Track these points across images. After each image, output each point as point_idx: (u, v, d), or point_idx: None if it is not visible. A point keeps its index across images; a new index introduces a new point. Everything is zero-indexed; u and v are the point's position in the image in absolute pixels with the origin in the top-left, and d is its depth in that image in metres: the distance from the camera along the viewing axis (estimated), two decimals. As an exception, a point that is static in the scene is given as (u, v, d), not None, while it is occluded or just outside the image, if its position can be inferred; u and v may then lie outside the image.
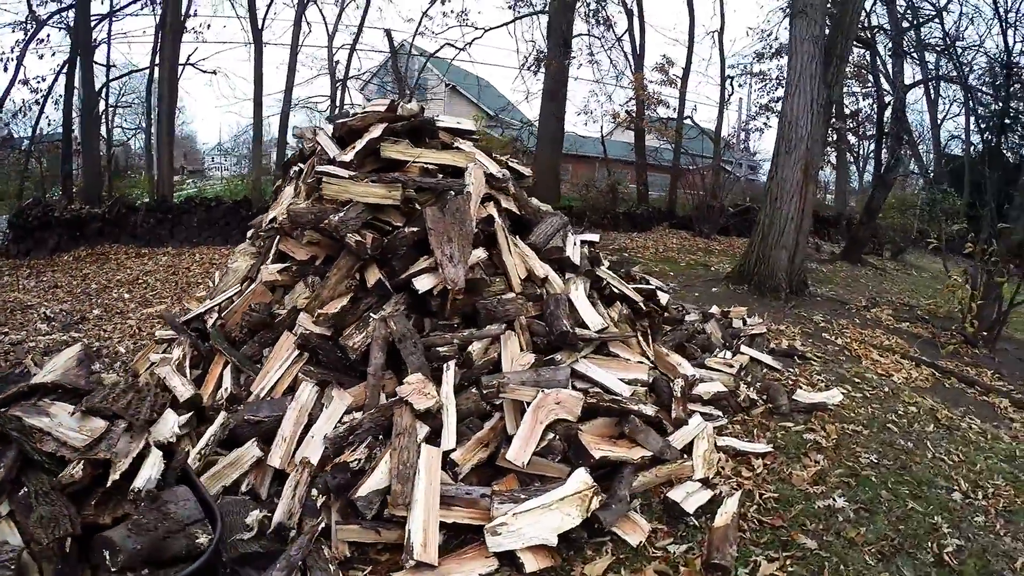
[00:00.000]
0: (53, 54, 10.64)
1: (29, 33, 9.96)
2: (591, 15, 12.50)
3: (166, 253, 9.07)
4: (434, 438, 2.60)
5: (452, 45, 12.70)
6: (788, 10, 9.35)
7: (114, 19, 11.33)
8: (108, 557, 1.66)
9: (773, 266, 7.14)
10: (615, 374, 3.14)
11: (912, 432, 3.49)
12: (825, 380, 4.24)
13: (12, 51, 9.78)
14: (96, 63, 10.74)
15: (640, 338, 3.68)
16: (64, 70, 9.97)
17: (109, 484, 1.84)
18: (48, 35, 10.66)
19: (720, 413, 3.47)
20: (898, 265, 12.36)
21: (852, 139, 16.17)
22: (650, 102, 12.70)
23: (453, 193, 3.39)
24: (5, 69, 9.69)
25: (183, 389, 3.29)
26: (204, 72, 12.87)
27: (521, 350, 3.08)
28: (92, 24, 10.40)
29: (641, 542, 2.30)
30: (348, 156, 3.42)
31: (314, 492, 2.43)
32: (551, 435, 2.52)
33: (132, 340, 4.90)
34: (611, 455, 2.59)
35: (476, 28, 12.52)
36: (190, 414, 3.11)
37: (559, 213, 4.33)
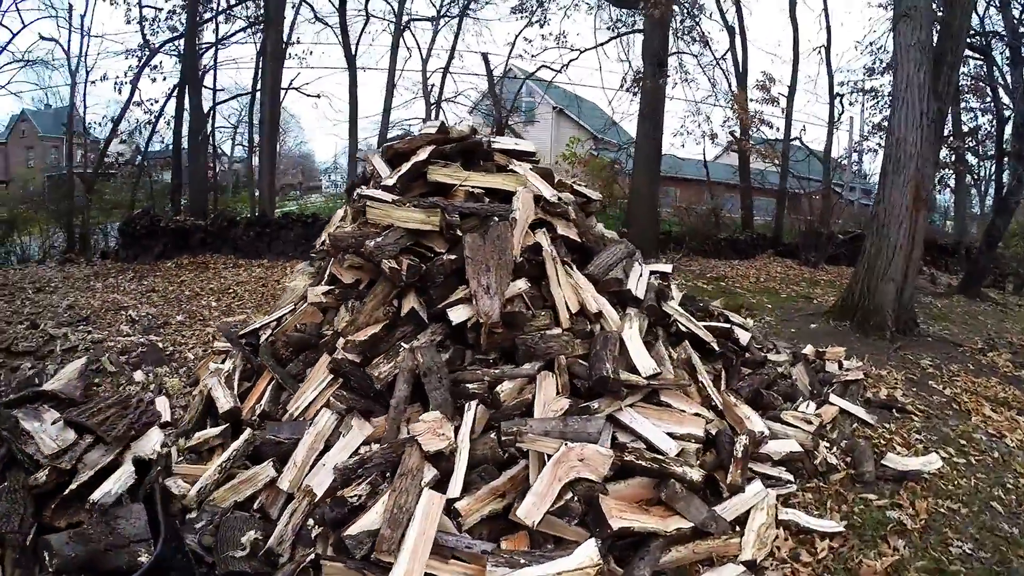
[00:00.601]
0: (164, 79, 12.13)
1: (143, 59, 11.48)
2: (685, 32, 12.08)
3: (260, 265, 9.79)
4: (444, 483, 2.43)
5: (549, 67, 12.84)
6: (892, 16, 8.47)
7: (220, 47, 12.67)
8: (47, 558, 1.71)
9: (879, 301, 6.47)
10: (665, 427, 2.79)
11: (1021, 515, 2.91)
12: (925, 440, 3.70)
13: (126, 75, 11.22)
14: (204, 87, 12.04)
15: (707, 384, 3.29)
16: (175, 93, 11.33)
17: (67, 492, 1.91)
18: (160, 62, 12.20)
19: (791, 478, 2.99)
20: (1022, 300, 10.75)
21: (971, 159, 14.29)
22: (752, 123, 11.96)
23: (497, 219, 3.25)
24: (119, 91, 11.15)
25: (224, 401, 3.44)
26: (308, 96, 14.01)
27: (558, 393, 2.83)
28: (200, 52, 11.68)
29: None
30: (391, 179, 3.42)
31: (310, 522, 2.37)
32: (569, 494, 2.24)
33: (204, 347, 5.23)
34: (635, 525, 2.26)
35: (572, 49, 12.57)
36: (225, 426, 3.24)
37: (624, 241, 4.05)
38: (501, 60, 13.79)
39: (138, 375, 4.44)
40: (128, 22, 11.56)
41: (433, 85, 13.30)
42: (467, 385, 2.88)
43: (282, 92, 12.29)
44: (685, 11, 11.47)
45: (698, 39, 11.99)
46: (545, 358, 3.02)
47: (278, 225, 10.72)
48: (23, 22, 11.70)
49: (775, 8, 22.39)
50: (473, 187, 3.49)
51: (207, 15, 11.78)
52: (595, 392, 2.84)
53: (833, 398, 3.89)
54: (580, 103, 18.47)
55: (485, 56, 12.69)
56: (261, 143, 11.58)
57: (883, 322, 6.31)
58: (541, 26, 13.12)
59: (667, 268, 4.21)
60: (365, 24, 13.28)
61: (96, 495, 1.94)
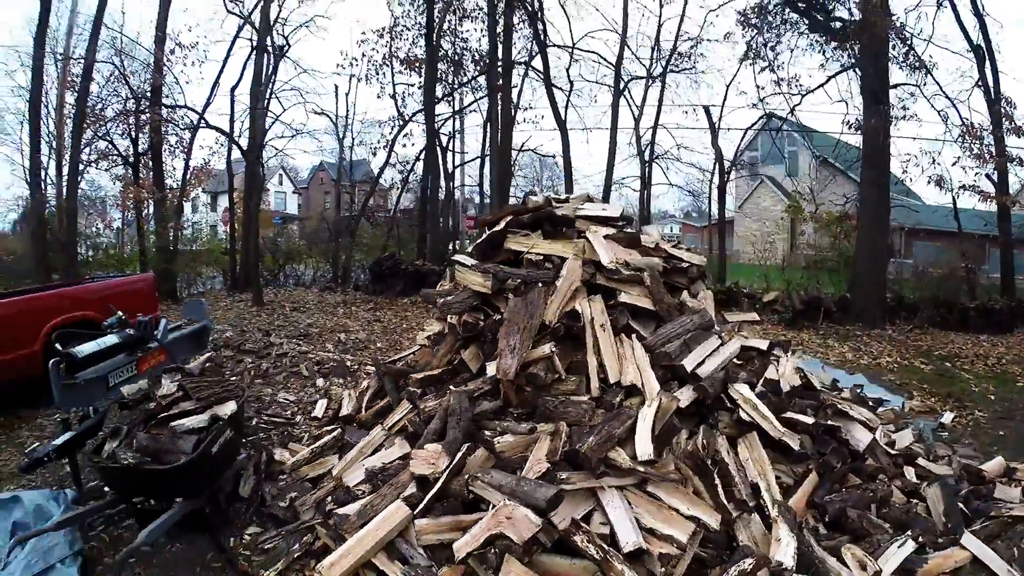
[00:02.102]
0: (413, 144, 15.53)
1: (396, 128, 14.99)
2: (902, 59, 10.09)
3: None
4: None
5: (776, 116, 12.22)
6: None
7: (461, 115, 15.62)
8: (134, 442, 3.06)
9: None
10: (648, 521, 2.80)
11: None
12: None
13: (379, 142, 14.85)
14: (452, 151, 15.00)
15: (715, 485, 3.04)
16: (421, 156, 14.33)
17: (159, 417, 3.28)
18: (411, 130, 15.70)
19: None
20: None
21: None
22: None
23: (541, 284, 3.73)
24: (375, 155, 14.83)
25: (346, 408, 4.78)
26: (543, 156, 16.09)
27: (549, 457, 3.13)
28: (440, 122, 14.65)
29: None
30: (471, 248, 4.21)
31: (330, 499, 3.28)
32: (490, 548, 2.59)
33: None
34: None
35: (792, 95, 11.75)
36: (337, 425, 4.47)
37: (703, 311, 3.99)
38: (729, 110, 13.57)
39: (320, 382, 6.13)
40: (379, 97, 15.60)
41: (649, 142, 13.87)
42: (485, 432, 3.42)
43: (514, 153, 14.47)
44: (898, 34, 9.68)
45: (917, 66, 9.96)
46: (562, 421, 3.34)
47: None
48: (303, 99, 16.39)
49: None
50: (537, 253, 4.03)
51: (441, 91, 14.88)
52: (579, 464, 3.04)
53: (968, 539, 3.09)
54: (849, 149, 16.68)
55: (707, 108, 12.75)
56: (492, 199, 13.76)
57: None
58: (772, 70, 12.57)
59: (761, 344, 3.92)
60: (570, 90, 14.71)
61: (175, 423, 3.29)
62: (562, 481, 2.89)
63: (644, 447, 2.97)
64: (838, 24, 10.99)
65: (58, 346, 3.73)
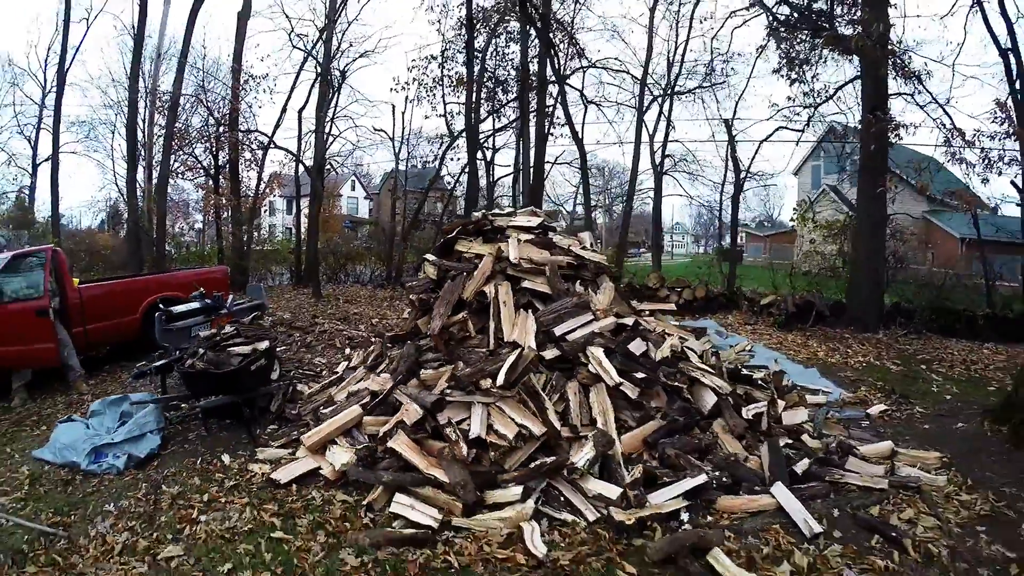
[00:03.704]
0: (459, 159, 17.85)
1: (445, 144, 17.32)
2: (897, 72, 10.66)
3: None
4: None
5: (788, 128, 13.41)
6: None
7: (500, 134, 17.90)
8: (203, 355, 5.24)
9: None
10: (496, 425, 4.60)
11: None
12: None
13: (432, 156, 17.40)
14: (497, 164, 17.26)
15: (547, 407, 4.64)
16: (465, 169, 16.63)
17: (219, 346, 5.39)
18: (459, 144, 17.81)
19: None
20: None
21: None
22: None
23: (465, 274, 5.67)
24: (425, 167, 17.10)
25: (354, 360, 6.88)
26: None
27: (447, 382, 5.03)
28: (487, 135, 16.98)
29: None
30: (433, 249, 6.24)
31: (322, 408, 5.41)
32: (395, 428, 4.58)
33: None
34: (407, 456, 4.35)
35: (806, 107, 12.82)
36: (344, 373, 6.58)
37: (583, 295, 5.75)
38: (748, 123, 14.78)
39: (348, 351, 8.32)
40: (426, 117, 17.93)
41: (668, 155, 15.41)
42: (421, 369, 5.39)
43: (547, 166, 16.45)
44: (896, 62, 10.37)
45: (911, 76, 10.54)
46: (463, 362, 5.24)
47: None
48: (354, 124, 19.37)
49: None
50: (473, 253, 5.97)
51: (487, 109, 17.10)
52: (466, 385, 4.91)
53: (778, 489, 4.18)
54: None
55: (727, 122, 14.04)
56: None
57: None
58: (802, 83, 13.63)
59: (629, 321, 5.63)
60: (584, 112, 16.52)
61: (230, 348, 5.45)
62: (447, 395, 4.82)
63: (500, 378, 4.80)
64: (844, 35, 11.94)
65: (161, 305, 6.15)
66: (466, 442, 4.45)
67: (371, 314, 11.80)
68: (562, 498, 4.17)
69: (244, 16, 15.64)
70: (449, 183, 18.81)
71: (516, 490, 4.10)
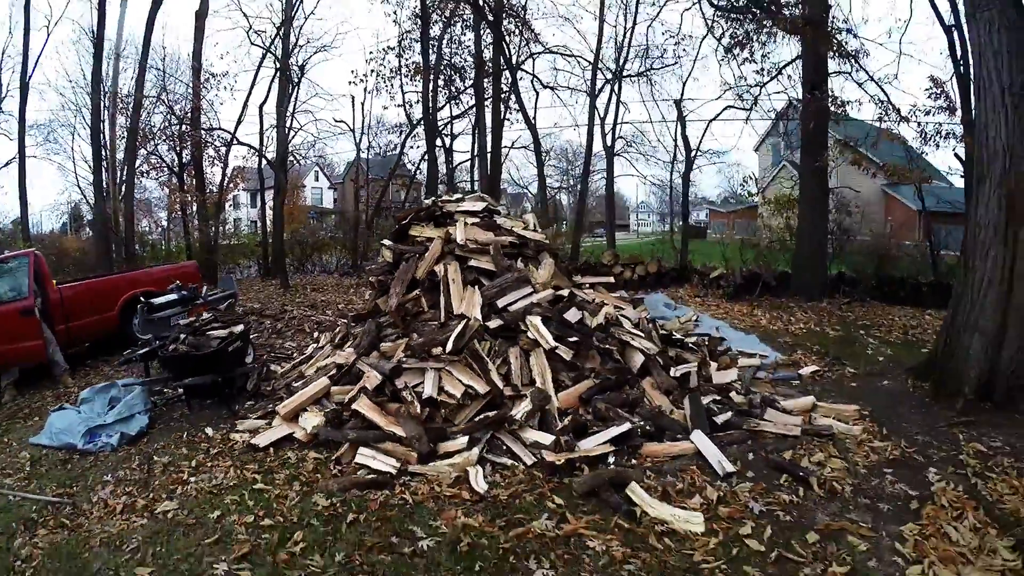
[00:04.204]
0: (419, 146, 18.61)
1: (404, 133, 18.13)
2: (835, 51, 11.34)
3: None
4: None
5: (736, 107, 14.18)
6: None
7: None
8: (183, 340, 5.90)
9: (960, 358, 5.71)
10: (447, 386, 5.33)
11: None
12: None
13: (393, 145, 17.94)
14: (457, 151, 17.93)
15: (489, 369, 5.43)
16: (424, 158, 17.33)
17: (200, 328, 6.04)
18: (417, 132, 18.42)
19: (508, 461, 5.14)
20: None
21: None
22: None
23: (418, 256, 6.36)
24: (386, 155, 17.66)
25: (322, 341, 7.48)
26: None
27: (403, 352, 5.75)
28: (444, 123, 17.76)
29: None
30: (390, 234, 6.90)
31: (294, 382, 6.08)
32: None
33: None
34: (368, 416, 5.07)
35: (755, 85, 13.59)
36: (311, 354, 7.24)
37: (522, 271, 6.48)
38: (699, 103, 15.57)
39: (316, 335, 8.95)
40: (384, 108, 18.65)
41: (620, 137, 16.22)
42: (381, 342, 6.08)
43: (504, 151, 17.12)
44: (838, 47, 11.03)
45: (848, 56, 11.22)
46: (420, 334, 5.95)
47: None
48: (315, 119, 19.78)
49: None
50: (425, 237, 6.65)
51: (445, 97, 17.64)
52: (420, 352, 5.63)
53: (696, 436, 4.78)
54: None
55: (678, 103, 14.81)
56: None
57: (959, 387, 5.61)
58: (753, 60, 14.30)
59: (565, 292, 6.40)
60: (536, 99, 17.13)
61: (208, 332, 6.10)
62: (403, 363, 5.53)
63: (449, 346, 5.53)
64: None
65: (142, 298, 6.73)
66: (420, 402, 5.19)
67: (338, 300, 12.42)
68: (504, 447, 4.92)
69: (202, 15, 15.79)
70: (411, 170, 19.35)
71: (463, 440, 4.83)
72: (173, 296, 7.05)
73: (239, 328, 6.28)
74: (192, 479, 4.79)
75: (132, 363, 6.51)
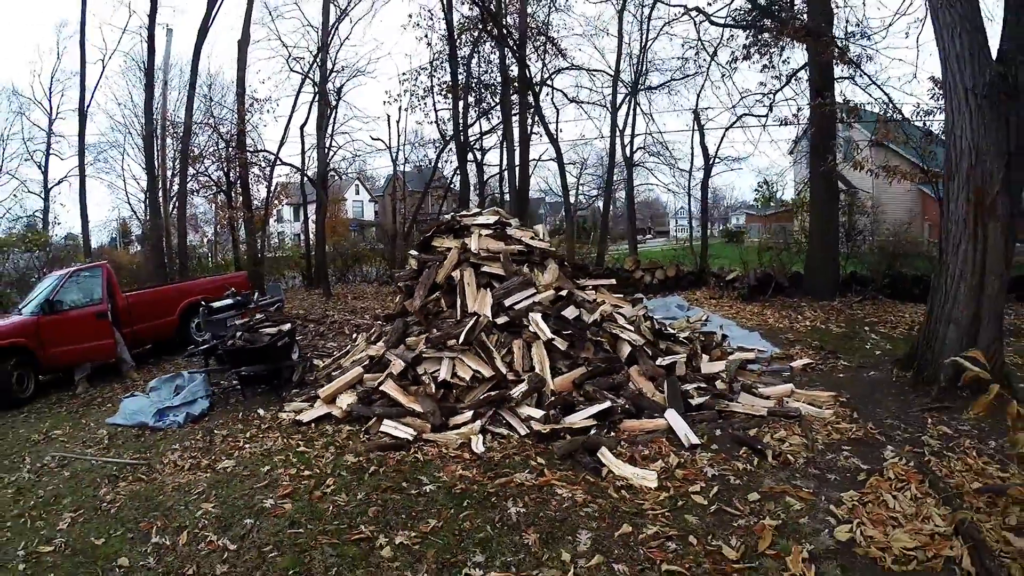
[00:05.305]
0: (452, 161, 19.67)
1: (438, 149, 19.05)
2: (839, 56, 11.77)
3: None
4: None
5: (752, 114, 14.86)
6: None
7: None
8: (238, 335, 7.06)
9: (936, 348, 6.04)
10: (458, 371, 6.35)
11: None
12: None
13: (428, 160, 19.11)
14: (486, 164, 19.02)
15: (495, 358, 6.43)
16: (456, 171, 18.42)
17: (252, 329, 7.19)
18: (451, 147, 19.64)
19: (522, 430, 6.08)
20: None
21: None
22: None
23: (438, 263, 7.41)
24: (422, 170, 18.80)
25: (360, 341, 8.59)
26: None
27: (425, 344, 6.78)
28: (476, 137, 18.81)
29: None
30: (415, 245, 7.99)
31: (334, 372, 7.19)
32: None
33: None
34: (392, 394, 6.11)
35: (766, 95, 14.26)
36: (351, 352, 8.38)
37: (527, 275, 7.41)
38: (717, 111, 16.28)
39: (354, 336, 10.10)
40: (418, 124, 20.02)
41: (641, 147, 17.08)
42: (408, 337, 7.12)
43: (531, 165, 18.16)
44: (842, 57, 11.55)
45: (849, 62, 11.70)
46: (439, 329, 6.97)
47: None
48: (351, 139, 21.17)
49: None
50: (445, 247, 7.70)
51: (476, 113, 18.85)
52: (438, 344, 6.65)
53: (670, 414, 5.47)
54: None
55: (695, 112, 15.57)
56: (512, 206, 17.43)
57: (936, 375, 5.94)
58: (772, 67, 14.92)
59: (564, 292, 7.31)
60: (557, 116, 18.03)
61: (261, 330, 7.24)
62: (423, 353, 6.56)
63: (461, 338, 6.54)
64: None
65: (203, 302, 8.00)
66: (436, 384, 6.21)
67: (376, 307, 13.65)
68: (503, 420, 5.85)
69: (244, 43, 17.44)
70: (446, 181, 20.69)
71: (469, 415, 5.82)
72: (229, 300, 8.35)
73: (287, 327, 7.44)
74: (247, 446, 5.90)
75: (196, 356, 7.78)
